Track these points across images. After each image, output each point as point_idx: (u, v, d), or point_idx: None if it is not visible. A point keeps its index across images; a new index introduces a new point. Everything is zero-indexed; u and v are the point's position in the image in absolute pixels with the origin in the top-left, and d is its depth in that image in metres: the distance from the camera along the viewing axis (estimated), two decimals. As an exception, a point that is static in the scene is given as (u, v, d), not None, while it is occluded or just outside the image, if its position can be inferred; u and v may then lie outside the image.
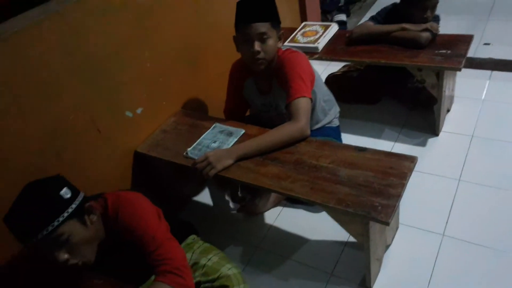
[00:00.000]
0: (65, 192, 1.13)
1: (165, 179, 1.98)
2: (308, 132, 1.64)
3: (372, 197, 1.35)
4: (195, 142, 1.75)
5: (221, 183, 2.02)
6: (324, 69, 2.93)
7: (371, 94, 2.57)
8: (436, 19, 2.19)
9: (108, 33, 1.62)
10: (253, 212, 2.00)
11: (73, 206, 1.12)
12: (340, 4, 3.92)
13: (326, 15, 3.82)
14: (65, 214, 1.10)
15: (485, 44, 2.89)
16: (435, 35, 2.10)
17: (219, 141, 1.72)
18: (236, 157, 1.58)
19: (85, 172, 1.63)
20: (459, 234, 1.71)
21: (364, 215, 1.30)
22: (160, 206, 1.40)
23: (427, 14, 2.08)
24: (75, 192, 1.16)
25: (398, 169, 1.43)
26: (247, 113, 2.10)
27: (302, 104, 1.63)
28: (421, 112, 2.36)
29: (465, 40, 2.09)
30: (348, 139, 2.24)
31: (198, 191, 2.24)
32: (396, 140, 2.27)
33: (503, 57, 2.67)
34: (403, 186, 1.36)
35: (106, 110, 1.67)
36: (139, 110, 1.82)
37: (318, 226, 1.85)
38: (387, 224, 1.26)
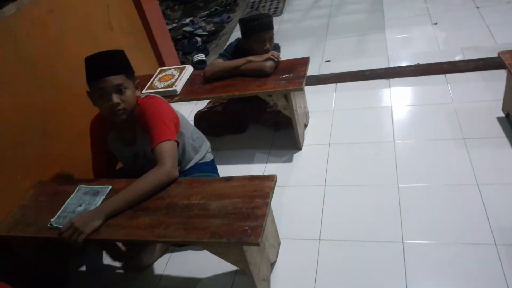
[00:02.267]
0: None
1: (36, 257, 1.82)
2: (176, 174, 1.66)
3: (241, 222, 1.41)
4: (59, 210, 1.65)
5: (101, 245, 1.93)
6: (192, 108, 3.01)
7: (237, 124, 2.71)
8: (276, 47, 2.43)
9: None
10: (140, 267, 1.93)
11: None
12: (198, 45, 4.11)
13: (186, 57, 3.97)
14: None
15: (327, 61, 3.27)
16: (277, 62, 2.32)
17: (85, 203, 1.65)
18: (105, 215, 1.53)
19: None
20: (334, 235, 1.87)
21: (236, 241, 1.35)
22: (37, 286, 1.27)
23: (266, 45, 2.30)
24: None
25: (262, 190, 1.53)
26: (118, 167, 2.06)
27: (166, 147, 1.65)
28: (284, 132, 2.55)
29: (303, 62, 2.34)
30: (224, 169, 2.32)
31: (83, 258, 2.10)
32: (266, 162, 2.41)
33: (342, 70, 3.04)
34: (267, 205, 1.46)
35: None
36: (-12, 191, 1.67)
37: (207, 263, 1.85)
38: (258, 244, 1.33)
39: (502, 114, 2.28)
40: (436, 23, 3.42)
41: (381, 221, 1.88)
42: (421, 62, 2.89)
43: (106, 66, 1.61)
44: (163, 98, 1.83)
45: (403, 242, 1.75)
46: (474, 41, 3.03)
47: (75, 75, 2.14)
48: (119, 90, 1.63)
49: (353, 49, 3.39)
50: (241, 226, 1.39)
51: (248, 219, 1.41)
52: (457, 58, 2.85)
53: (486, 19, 3.29)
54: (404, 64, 2.95)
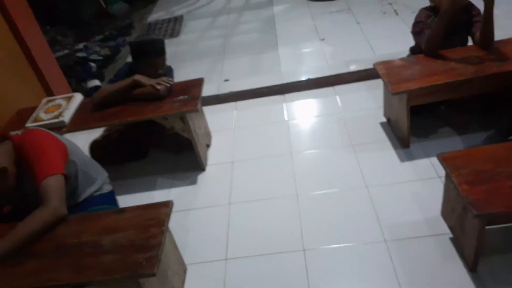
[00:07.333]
0: None
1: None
2: (63, 212, 1.54)
3: (136, 254, 1.35)
4: None
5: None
6: (87, 139, 2.84)
7: (137, 150, 2.62)
8: (169, 70, 2.40)
9: None
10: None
11: None
12: (92, 70, 3.92)
13: (81, 84, 3.76)
14: None
15: (225, 80, 3.33)
16: (169, 86, 2.28)
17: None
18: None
19: None
20: (240, 252, 1.87)
21: (130, 275, 1.29)
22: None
23: (159, 70, 2.26)
24: None
25: (157, 218, 1.48)
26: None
27: (50, 184, 1.53)
28: (187, 154, 2.51)
29: (198, 83, 2.35)
30: (125, 200, 2.21)
31: None
32: (171, 186, 2.36)
33: (240, 89, 3.11)
34: (163, 232, 1.41)
35: None
36: None
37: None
38: (153, 275, 1.28)
39: (384, 120, 2.50)
40: (323, 39, 3.67)
41: (283, 231, 1.94)
42: (311, 76, 3.07)
43: None
44: (44, 129, 1.71)
45: (304, 250, 1.82)
46: (356, 54, 3.30)
47: None
48: None
49: (250, 67, 3.50)
50: (135, 258, 1.34)
51: (142, 250, 1.36)
52: (343, 71, 3.07)
53: (365, 33, 3.61)
54: (296, 79, 3.11)
